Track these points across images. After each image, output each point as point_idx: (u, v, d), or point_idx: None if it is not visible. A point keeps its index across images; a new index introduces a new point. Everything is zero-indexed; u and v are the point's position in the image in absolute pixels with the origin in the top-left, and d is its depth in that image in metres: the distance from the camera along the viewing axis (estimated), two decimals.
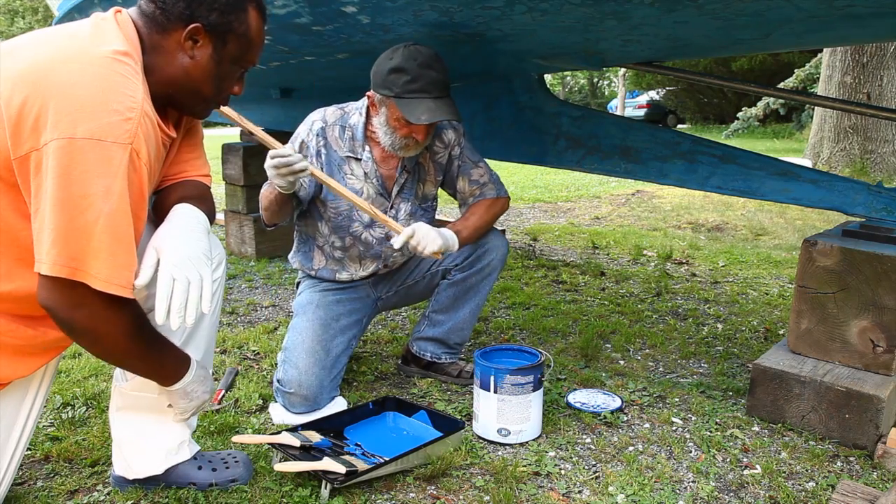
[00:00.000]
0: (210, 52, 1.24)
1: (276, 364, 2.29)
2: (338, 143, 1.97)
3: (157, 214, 1.33)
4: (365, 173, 1.98)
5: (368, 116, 1.97)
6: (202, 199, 1.38)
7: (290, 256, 2.19)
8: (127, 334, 1.21)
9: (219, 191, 5.28)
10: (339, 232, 2.01)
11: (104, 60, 1.12)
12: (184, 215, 1.29)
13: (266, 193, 1.86)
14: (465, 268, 2.10)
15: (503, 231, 4.37)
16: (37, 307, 1.14)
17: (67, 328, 1.16)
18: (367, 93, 1.92)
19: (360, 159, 1.98)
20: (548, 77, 2.61)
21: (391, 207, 2.03)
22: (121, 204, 1.10)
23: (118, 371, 1.48)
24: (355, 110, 1.99)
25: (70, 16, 2.59)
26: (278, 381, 1.94)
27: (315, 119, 1.98)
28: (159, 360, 1.32)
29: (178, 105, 1.31)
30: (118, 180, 1.09)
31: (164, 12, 1.20)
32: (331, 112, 1.99)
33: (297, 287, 2.19)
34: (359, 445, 1.72)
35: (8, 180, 1.11)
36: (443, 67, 1.85)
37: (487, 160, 2.17)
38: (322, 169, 1.94)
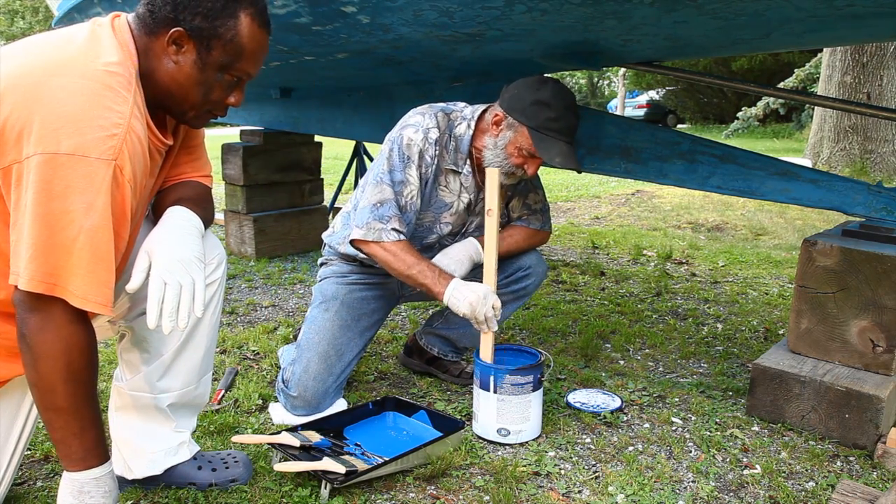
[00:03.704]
0: (194, 57, 1.20)
1: (276, 364, 2.29)
2: (444, 153, 1.91)
3: (157, 215, 1.33)
4: (462, 187, 1.95)
5: (476, 130, 1.91)
6: (199, 199, 1.37)
7: (326, 235, 2.11)
8: (65, 371, 1.12)
9: (219, 191, 5.28)
10: (412, 240, 1.94)
11: (95, 74, 1.11)
12: (176, 218, 1.28)
13: (396, 261, 1.80)
14: (502, 285, 2.03)
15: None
16: None
17: (20, 333, 1.12)
18: (495, 111, 1.86)
19: (459, 172, 1.94)
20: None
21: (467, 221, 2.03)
22: (102, 221, 1.09)
23: (117, 370, 1.48)
24: (462, 120, 1.92)
25: (70, 16, 2.59)
26: (284, 381, 1.93)
27: (429, 126, 1.88)
28: (78, 427, 1.17)
29: (169, 112, 1.29)
30: (101, 197, 1.08)
31: (153, 15, 1.19)
32: (441, 117, 1.90)
33: (321, 267, 2.11)
34: (359, 445, 1.72)
35: None
36: (578, 114, 1.84)
37: None
38: (426, 177, 1.89)
